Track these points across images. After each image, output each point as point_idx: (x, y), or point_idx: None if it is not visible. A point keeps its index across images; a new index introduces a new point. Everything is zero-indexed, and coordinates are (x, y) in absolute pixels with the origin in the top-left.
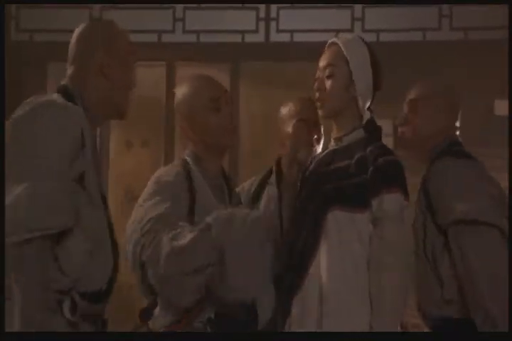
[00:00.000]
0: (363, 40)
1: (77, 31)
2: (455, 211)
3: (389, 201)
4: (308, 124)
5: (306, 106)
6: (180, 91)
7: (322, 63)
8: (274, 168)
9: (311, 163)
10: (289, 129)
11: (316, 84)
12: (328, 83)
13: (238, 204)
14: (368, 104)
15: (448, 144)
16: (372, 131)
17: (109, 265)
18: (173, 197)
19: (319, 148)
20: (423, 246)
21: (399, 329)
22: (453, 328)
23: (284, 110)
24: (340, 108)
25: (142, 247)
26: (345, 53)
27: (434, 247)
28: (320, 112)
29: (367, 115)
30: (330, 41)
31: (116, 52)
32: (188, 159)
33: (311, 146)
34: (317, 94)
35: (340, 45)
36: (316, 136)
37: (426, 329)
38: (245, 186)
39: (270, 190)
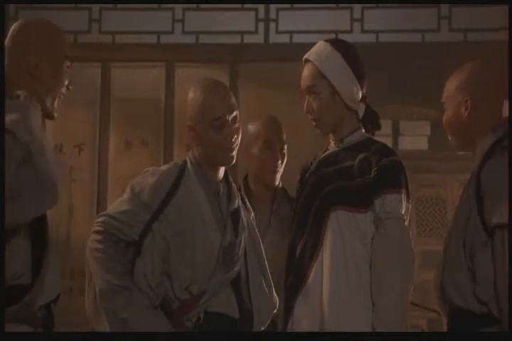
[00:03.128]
0: (330, 42)
1: (12, 27)
2: (503, 214)
3: (392, 201)
4: (273, 146)
5: (273, 126)
6: (194, 96)
7: (303, 85)
8: (242, 185)
9: (311, 164)
10: (255, 150)
11: (305, 107)
12: (315, 103)
13: (236, 208)
14: (359, 98)
15: (502, 135)
16: (369, 119)
17: (12, 266)
18: (139, 201)
19: (281, 172)
20: (463, 241)
21: (402, 330)
22: (472, 322)
23: (252, 128)
24: (335, 120)
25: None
26: (320, 69)
27: (473, 243)
28: (319, 131)
29: (362, 108)
30: (304, 58)
31: (49, 53)
32: (188, 160)
33: (275, 169)
34: (310, 116)
35: (313, 61)
36: (279, 161)
37: (426, 329)
38: None
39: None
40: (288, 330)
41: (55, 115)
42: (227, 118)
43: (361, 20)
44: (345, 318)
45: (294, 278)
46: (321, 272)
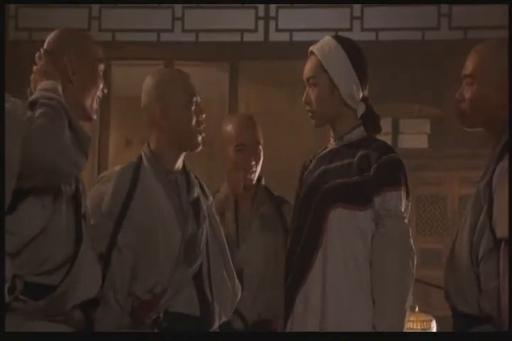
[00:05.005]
0: (335, 38)
1: (50, 35)
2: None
3: (391, 199)
4: (246, 148)
5: (245, 127)
6: (156, 79)
7: (305, 76)
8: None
9: (310, 162)
10: (230, 153)
11: (303, 98)
12: (313, 95)
13: (196, 198)
14: (359, 97)
15: None
16: (370, 121)
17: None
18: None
19: (258, 171)
20: (470, 245)
21: (403, 329)
22: (471, 322)
23: (227, 129)
24: (331, 114)
25: None
26: (322, 61)
27: (480, 248)
28: (313, 122)
29: (362, 107)
30: (309, 49)
31: (85, 59)
32: (143, 154)
33: (250, 170)
34: (307, 107)
35: (316, 53)
36: (253, 162)
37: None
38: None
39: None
40: (288, 330)
41: (94, 117)
42: (196, 99)
43: (361, 18)
44: (346, 317)
45: (293, 277)
46: (321, 271)
